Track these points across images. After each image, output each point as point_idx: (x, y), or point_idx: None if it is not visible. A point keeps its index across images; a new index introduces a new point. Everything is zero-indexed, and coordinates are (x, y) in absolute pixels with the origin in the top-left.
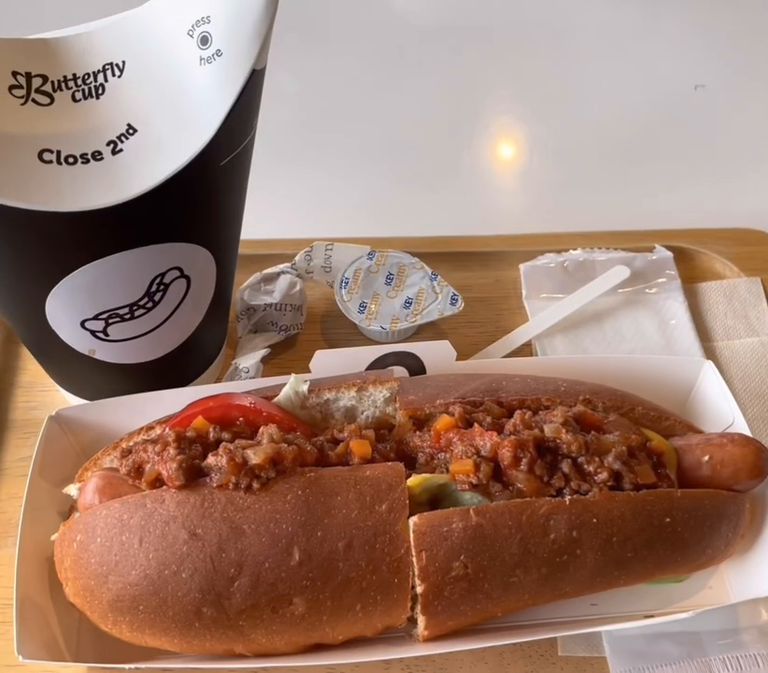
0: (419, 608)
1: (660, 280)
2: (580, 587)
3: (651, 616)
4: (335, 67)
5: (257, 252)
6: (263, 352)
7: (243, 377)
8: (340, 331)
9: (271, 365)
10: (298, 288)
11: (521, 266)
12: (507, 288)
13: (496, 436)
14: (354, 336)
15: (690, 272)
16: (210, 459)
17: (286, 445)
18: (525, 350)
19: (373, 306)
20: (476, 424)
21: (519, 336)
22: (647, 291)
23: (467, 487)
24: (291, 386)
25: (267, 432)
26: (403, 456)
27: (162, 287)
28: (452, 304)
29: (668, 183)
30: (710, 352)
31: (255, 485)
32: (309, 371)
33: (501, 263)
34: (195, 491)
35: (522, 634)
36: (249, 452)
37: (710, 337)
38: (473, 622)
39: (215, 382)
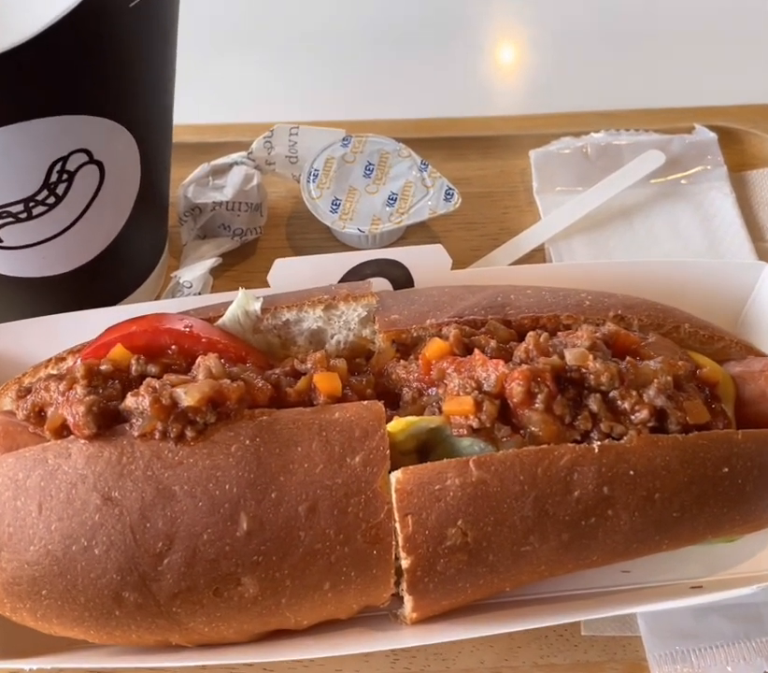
0: (405, 585)
1: (701, 168)
2: (611, 555)
3: (699, 587)
4: None
5: (205, 140)
6: (210, 263)
7: (185, 293)
8: (309, 236)
9: (223, 278)
10: (255, 182)
11: (531, 153)
12: (514, 180)
13: (503, 365)
14: (326, 241)
15: (738, 157)
16: (129, 400)
17: (229, 381)
18: (537, 255)
19: (348, 203)
20: (476, 351)
21: (528, 240)
22: (685, 181)
23: (466, 432)
24: (240, 304)
25: (205, 364)
26: (383, 393)
27: (65, 176)
28: (446, 200)
29: (711, 51)
30: (764, 254)
31: (189, 434)
32: (268, 286)
33: (506, 149)
34: (111, 442)
35: (537, 613)
36: (180, 391)
37: (764, 236)
38: (473, 600)
39: (155, 300)
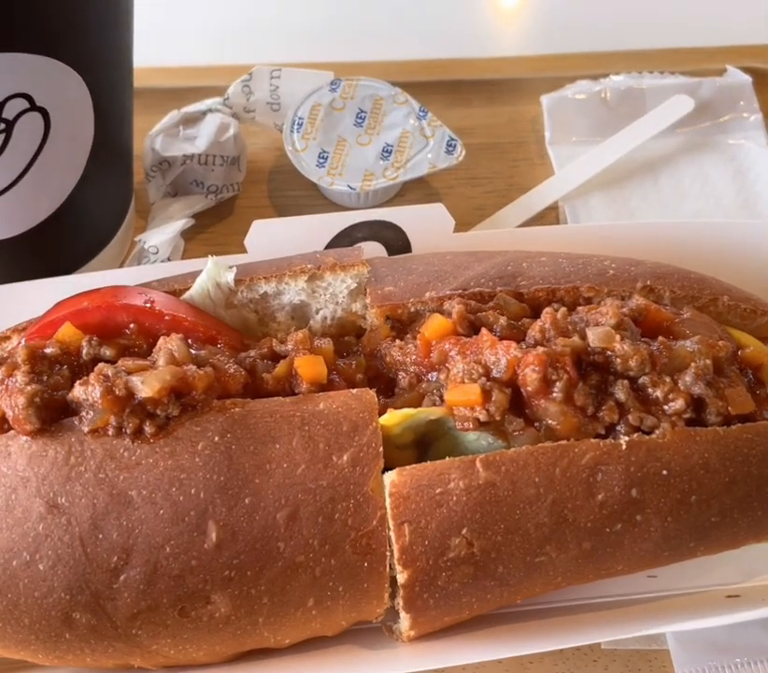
0: (401, 600)
1: (733, 115)
2: (638, 564)
3: (736, 596)
4: None
5: (176, 84)
6: (181, 224)
7: (151, 259)
8: (293, 194)
9: (197, 241)
10: (232, 132)
11: (544, 99)
12: (524, 130)
13: (515, 347)
14: (312, 200)
15: None
16: (78, 390)
17: (195, 367)
18: (550, 215)
19: (337, 157)
20: (484, 330)
21: (541, 197)
22: (716, 130)
23: (472, 425)
24: (210, 275)
25: (167, 347)
26: (375, 377)
27: (1, 126)
28: (448, 152)
29: None
30: None
31: (147, 429)
32: (246, 251)
33: (515, 95)
34: (57, 439)
35: (551, 629)
36: (136, 380)
37: None
38: (478, 615)
39: (120, 268)
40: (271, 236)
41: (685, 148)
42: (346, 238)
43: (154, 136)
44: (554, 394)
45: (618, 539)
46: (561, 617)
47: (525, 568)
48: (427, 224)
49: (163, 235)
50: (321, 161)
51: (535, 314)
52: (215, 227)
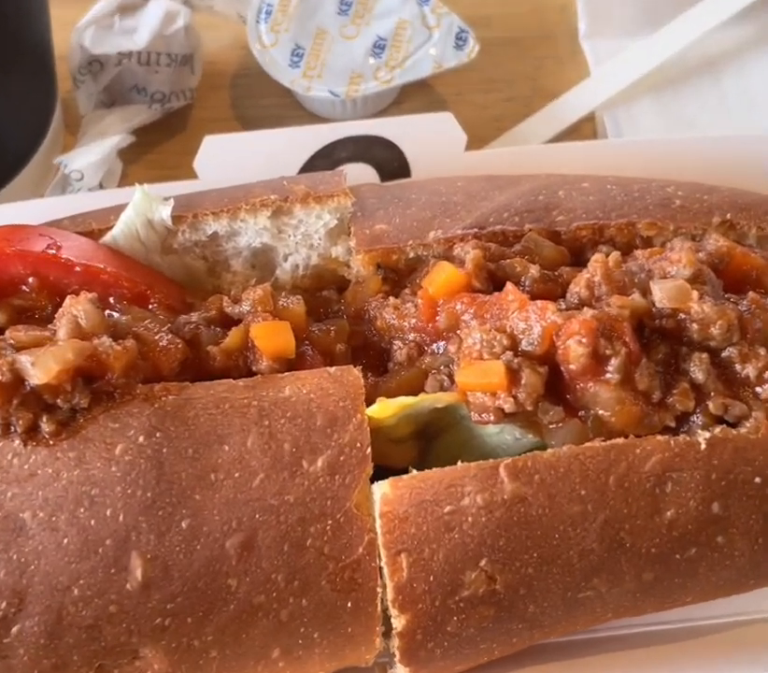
0: (397, 652)
1: None
2: (714, 594)
3: None
4: None
5: None
6: (113, 143)
7: (76, 187)
8: (262, 102)
9: (140, 164)
10: (181, 24)
11: None
12: (551, 20)
13: (553, 309)
14: (286, 110)
15: None
16: None
17: (109, 340)
18: (585, 128)
19: (315, 54)
20: (509, 284)
21: (573, 105)
22: None
23: (493, 417)
24: (139, 209)
25: (71, 312)
26: (363, 349)
27: None
28: (457, 48)
29: None
30: None
31: (45, 427)
32: (195, 176)
33: None
34: None
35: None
36: (24, 360)
37: None
38: (498, 659)
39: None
40: (228, 157)
41: (754, 41)
42: (325, 160)
43: (83, 28)
44: (608, 375)
45: (691, 568)
46: (608, 654)
47: (564, 606)
48: (431, 141)
49: (90, 155)
50: (295, 59)
51: (577, 261)
52: (163, 146)
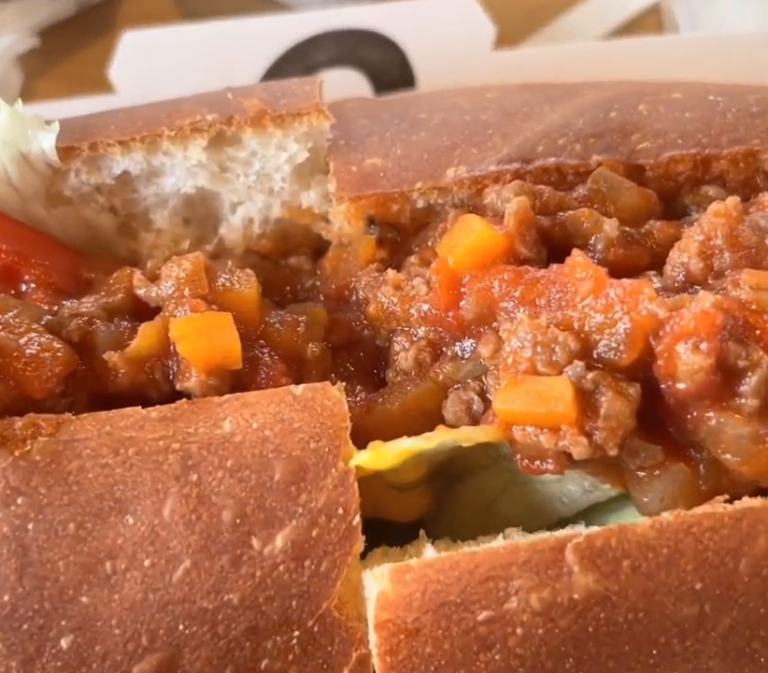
0: None
1: None
2: None
3: None
4: None
5: None
6: (5, 45)
7: None
8: None
9: (49, 76)
10: None
11: None
12: None
13: (648, 292)
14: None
15: None
16: None
17: None
18: (648, 20)
19: None
20: (575, 251)
21: None
22: None
23: (553, 465)
24: (5, 137)
25: None
26: (347, 349)
27: None
28: None
29: None
30: None
31: None
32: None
33: None
34: None
35: None
36: None
37: None
38: None
39: None
40: (157, 63)
41: None
42: (296, 65)
43: None
44: (739, 400)
45: None
46: None
47: None
48: (445, 35)
49: None
50: None
51: (670, 211)
52: (79, 53)
